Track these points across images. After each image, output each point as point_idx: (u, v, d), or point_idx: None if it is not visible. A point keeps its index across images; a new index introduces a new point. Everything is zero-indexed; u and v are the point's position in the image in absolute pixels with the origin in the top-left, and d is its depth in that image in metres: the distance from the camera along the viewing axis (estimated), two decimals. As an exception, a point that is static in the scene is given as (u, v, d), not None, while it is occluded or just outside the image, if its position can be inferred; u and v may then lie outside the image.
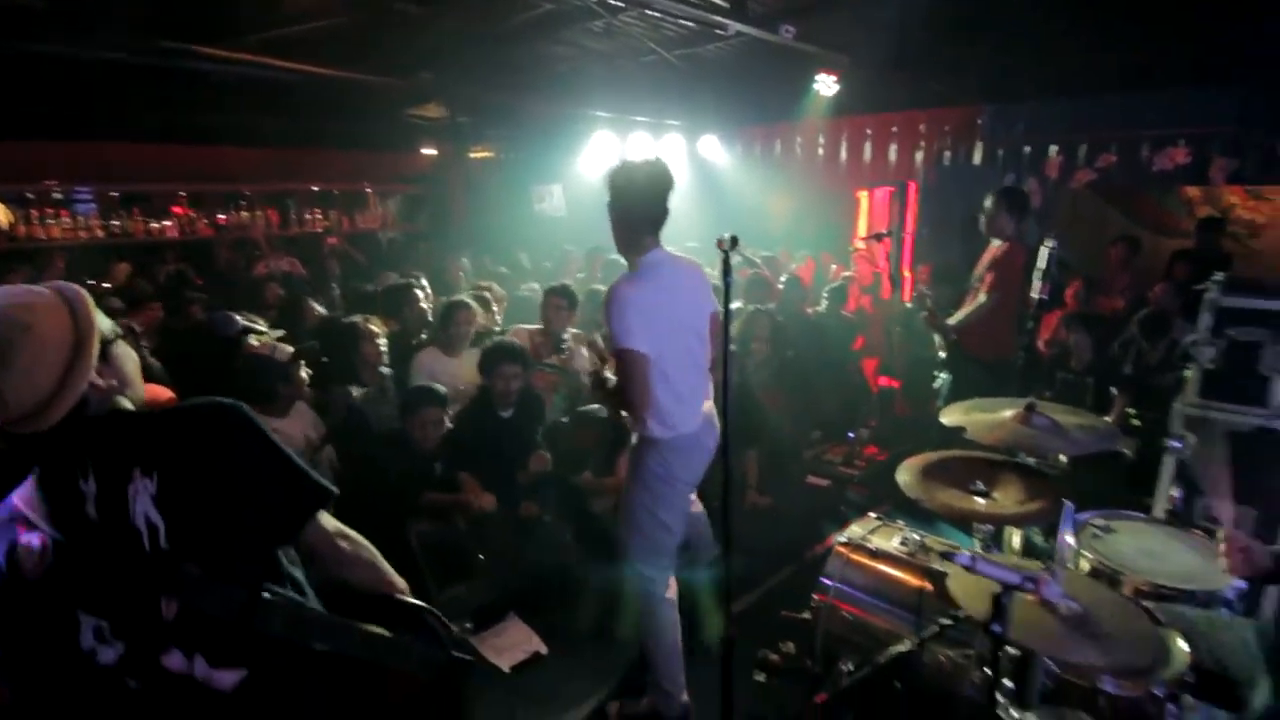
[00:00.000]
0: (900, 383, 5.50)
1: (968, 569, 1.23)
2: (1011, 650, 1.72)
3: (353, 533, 1.38)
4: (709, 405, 2.56)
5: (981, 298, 3.96)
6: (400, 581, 1.39)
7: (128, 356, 1.31)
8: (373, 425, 3.48)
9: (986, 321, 3.95)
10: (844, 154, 7.92)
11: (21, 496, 1.18)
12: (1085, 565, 2.11)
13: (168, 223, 7.49)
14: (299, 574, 1.29)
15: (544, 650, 2.96)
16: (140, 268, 6.67)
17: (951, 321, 4.11)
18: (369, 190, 9.41)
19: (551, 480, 3.51)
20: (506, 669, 2.86)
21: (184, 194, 7.81)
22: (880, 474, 4.45)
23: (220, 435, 1.21)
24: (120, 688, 1.18)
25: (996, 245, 4.03)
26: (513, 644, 2.96)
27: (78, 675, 1.18)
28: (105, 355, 1.25)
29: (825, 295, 5.75)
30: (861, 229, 7.31)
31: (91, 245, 6.92)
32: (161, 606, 1.16)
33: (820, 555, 3.57)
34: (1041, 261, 2.74)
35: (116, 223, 7.12)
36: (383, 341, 3.74)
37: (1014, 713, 1.66)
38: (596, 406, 3.74)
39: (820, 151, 8.06)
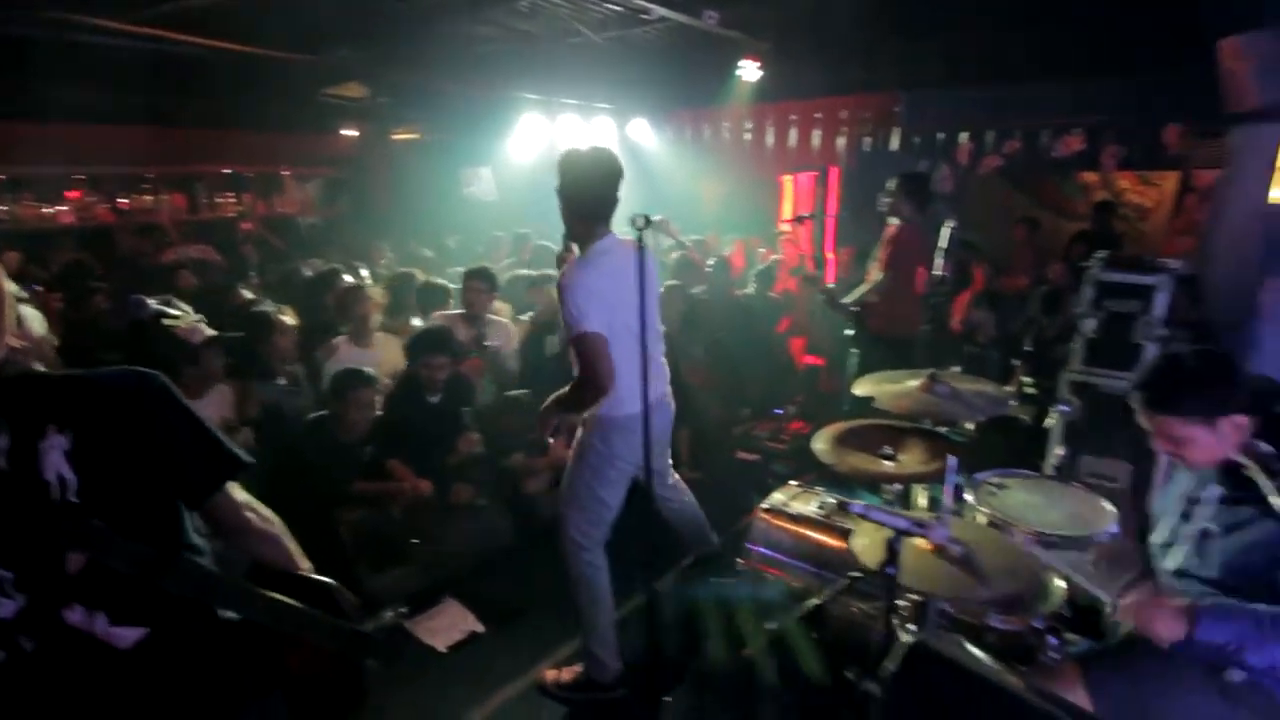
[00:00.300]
0: (824, 360, 5.72)
1: (861, 517, 1.34)
2: (913, 596, 1.88)
3: (262, 507, 1.40)
4: (664, 388, 2.62)
5: (876, 276, 4.18)
6: (305, 560, 1.41)
7: (35, 318, 1.30)
8: (288, 418, 3.40)
9: (888, 300, 4.16)
10: (770, 139, 8.11)
11: None
12: (982, 519, 2.30)
13: (62, 208, 7.00)
14: (204, 545, 1.31)
15: (480, 629, 2.99)
16: (32, 256, 6.22)
17: (848, 300, 4.33)
18: (285, 173, 9.03)
19: (483, 463, 3.52)
20: (443, 649, 2.87)
21: (81, 177, 7.31)
22: (805, 448, 4.60)
23: (136, 397, 1.24)
24: (13, 647, 1.17)
25: (893, 225, 4.23)
26: (449, 625, 2.98)
27: None
28: (17, 320, 1.26)
29: (753, 278, 5.91)
30: (786, 212, 7.52)
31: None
32: (67, 561, 1.16)
33: (747, 524, 3.76)
34: (943, 241, 2.92)
35: (5, 208, 6.61)
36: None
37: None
38: (523, 391, 3.77)
39: (747, 136, 8.23)
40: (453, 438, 3.51)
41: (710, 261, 5.85)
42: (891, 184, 4.23)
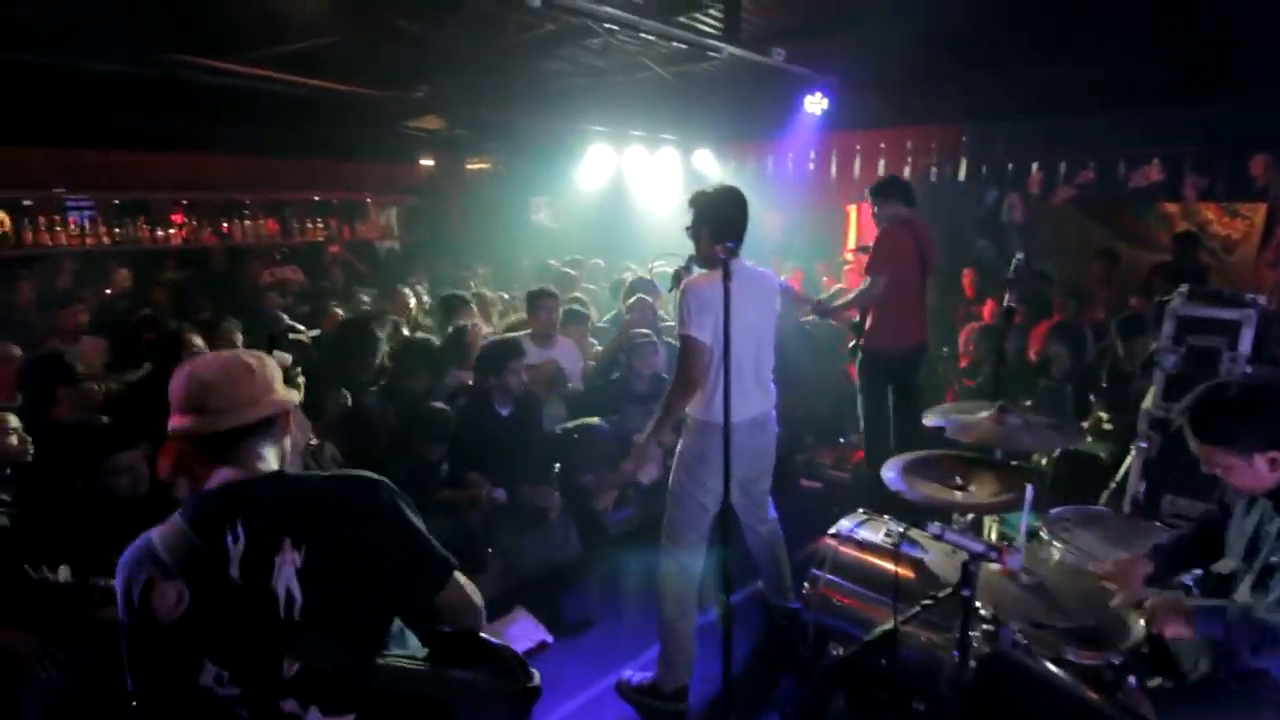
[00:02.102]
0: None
1: (937, 538, 1.38)
2: (985, 626, 1.88)
3: (472, 585, 1.46)
4: (762, 409, 2.77)
5: (865, 283, 4.08)
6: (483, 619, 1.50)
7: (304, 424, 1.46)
8: (376, 426, 3.61)
9: (880, 310, 4.07)
10: (834, 169, 8.15)
11: (161, 537, 1.24)
12: (1056, 555, 2.27)
13: (171, 230, 7.61)
14: (406, 642, 1.40)
15: (550, 640, 3.10)
16: (141, 275, 6.78)
17: (831, 302, 4.36)
18: (368, 200, 9.56)
19: (556, 479, 3.65)
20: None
21: (185, 202, 7.94)
22: (869, 476, 4.61)
23: (369, 514, 1.30)
24: (229, 714, 1.25)
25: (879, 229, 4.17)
26: (519, 634, 3.09)
27: (196, 705, 1.24)
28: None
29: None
30: (851, 241, 7.51)
31: (95, 251, 7.02)
32: (284, 666, 1.24)
33: (812, 551, 3.76)
34: (1010, 273, 2.93)
35: (120, 230, 7.23)
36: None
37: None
38: (598, 420, 3.89)
39: (810, 166, 8.29)
40: (525, 450, 3.65)
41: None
42: (872, 187, 4.25)
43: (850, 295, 4.15)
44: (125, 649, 1.25)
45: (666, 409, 2.69)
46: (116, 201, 7.53)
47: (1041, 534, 2.33)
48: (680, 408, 2.67)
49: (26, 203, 6.92)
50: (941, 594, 1.73)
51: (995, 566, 1.51)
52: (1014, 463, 3.95)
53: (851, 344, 4.39)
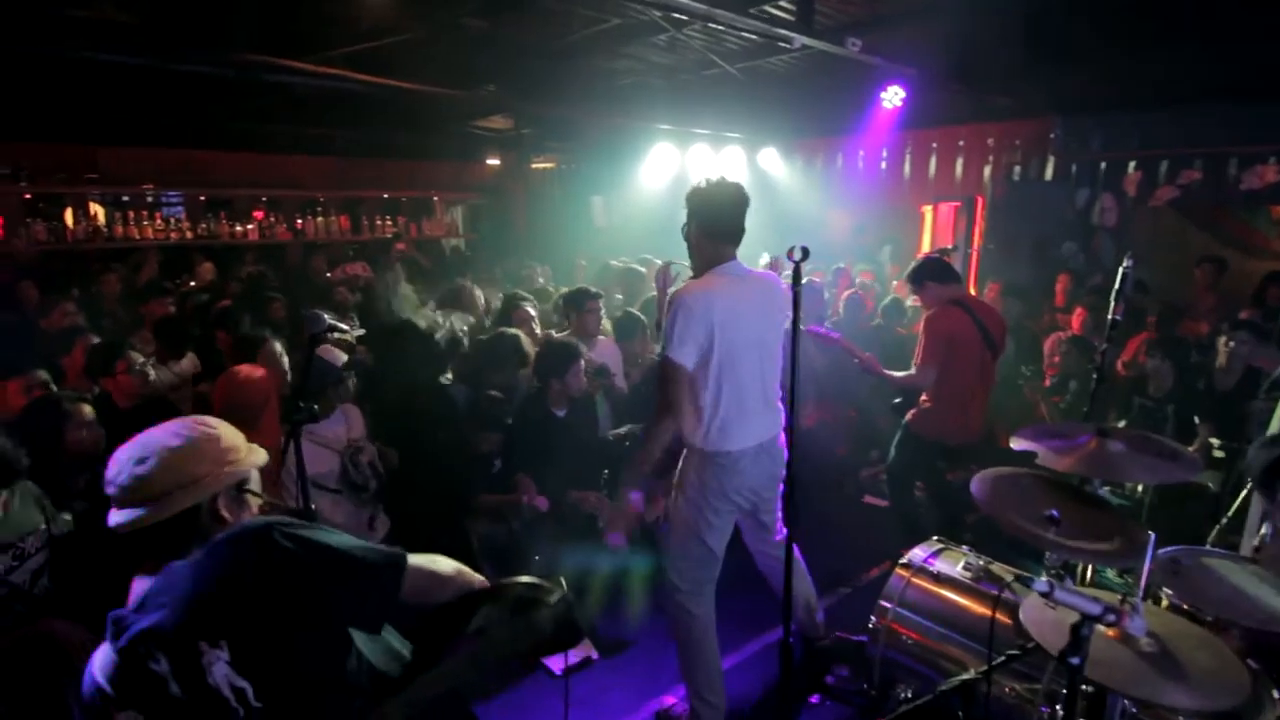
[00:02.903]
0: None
1: (1045, 596, 1.20)
2: (1085, 688, 1.66)
3: (430, 558, 1.37)
4: (770, 432, 2.47)
5: (913, 369, 3.59)
6: (478, 576, 1.40)
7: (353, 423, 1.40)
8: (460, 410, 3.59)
9: (936, 398, 3.59)
10: (907, 168, 7.78)
11: (101, 669, 1.17)
12: (1163, 602, 2.01)
13: (249, 226, 7.91)
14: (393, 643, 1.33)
15: (595, 656, 2.99)
16: (222, 268, 7.06)
17: (889, 373, 3.70)
18: (435, 199, 9.73)
19: (604, 485, 3.55)
20: (558, 671, 2.89)
21: (264, 199, 8.26)
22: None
23: (273, 571, 1.16)
24: None
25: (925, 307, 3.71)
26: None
27: None
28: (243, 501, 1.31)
29: (880, 311, 5.65)
30: (926, 244, 7.16)
31: (180, 245, 7.36)
32: None
33: (877, 577, 3.53)
34: (1118, 282, 2.64)
35: (204, 225, 7.55)
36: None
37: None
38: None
39: (883, 165, 7.94)
40: (580, 452, 3.57)
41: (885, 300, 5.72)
42: (910, 273, 3.76)
43: (896, 376, 3.66)
44: None
45: (646, 439, 2.42)
46: (202, 198, 7.89)
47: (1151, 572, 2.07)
48: (661, 438, 2.38)
49: (124, 198, 7.32)
50: (1032, 645, 1.52)
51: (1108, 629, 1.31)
52: (1105, 487, 3.64)
53: (897, 401, 4.00)
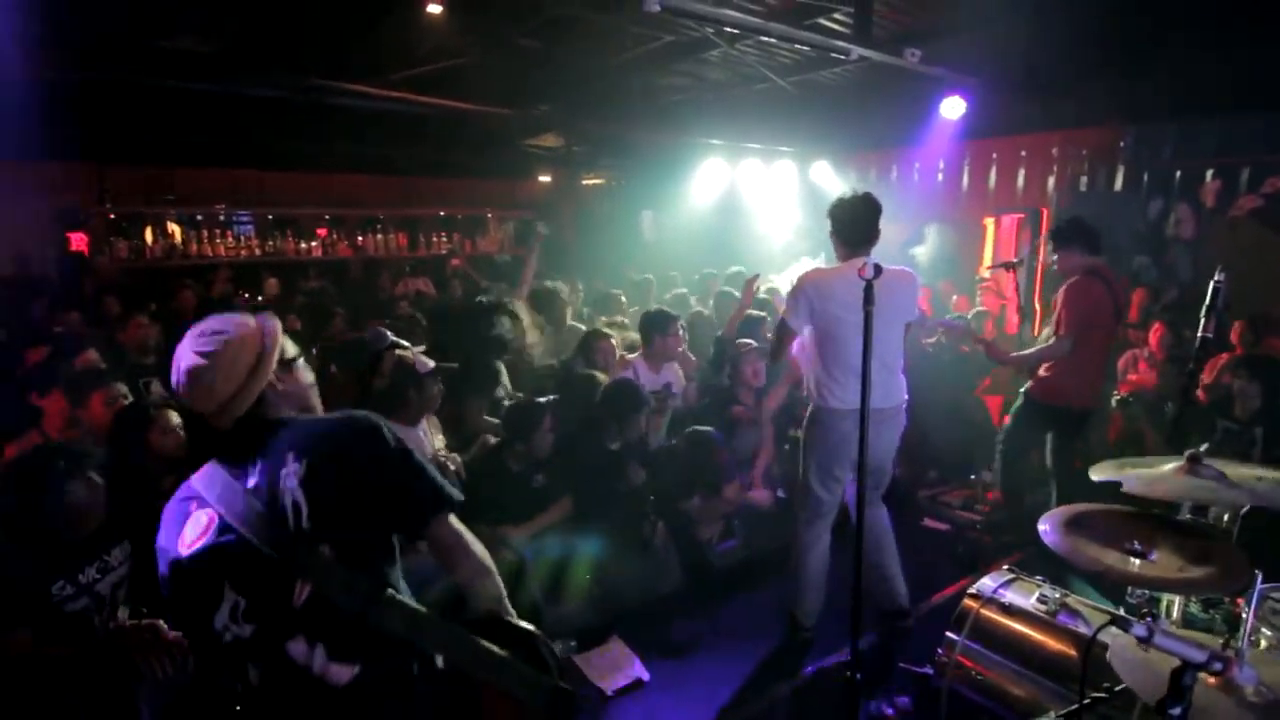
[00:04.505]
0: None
1: (1143, 641, 1.10)
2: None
3: (476, 542, 1.46)
4: (889, 401, 2.95)
5: (1050, 338, 3.74)
6: (508, 604, 1.44)
7: (306, 371, 1.52)
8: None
9: (1057, 369, 3.71)
10: (966, 179, 7.55)
11: (199, 480, 1.36)
12: (1263, 644, 1.86)
13: (314, 243, 8.22)
14: (408, 593, 1.38)
15: (646, 677, 2.94)
16: (287, 283, 7.34)
17: (1016, 354, 3.95)
18: (489, 215, 9.93)
19: (660, 507, 3.50)
20: (609, 692, 2.85)
21: (327, 217, 8.57)
22: (1005, 521, 4.15)
23: (361, 433, 1.37)
24: (243, 676, 1.30)
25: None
26: (614, 667, 2.95)
27: (210, 649, 1.32)
28: (288, 367, 1.45)
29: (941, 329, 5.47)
30: (988, 258, 6.93)
31: (249, 262, 7.68)
32: (295, 591, 1.27)
33: (939, 605, 3.39)
34: (1208, 298, 2.48)
35: (271, 243, 7.88)
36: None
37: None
38: (705, 429, 3.72)
39: (940, 177, 7.73)
40: (625, 481, 3.53)
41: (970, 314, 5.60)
42: (1052, 233, 3.84)
43: (1029, 352, 3.85)
44: (164, 591, 1.35)
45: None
46: (270, 217, 8.24)
47: (1243, 615, 1.92)
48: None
49: (199, 218, 7.70)
50: (1117, 687, 1.42)
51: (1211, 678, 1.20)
52: (1188, 516, 3.42)
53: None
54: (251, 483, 1.31)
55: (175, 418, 2.75)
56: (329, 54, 5.19)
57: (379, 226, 8.88)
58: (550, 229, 10.35)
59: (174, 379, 1.37)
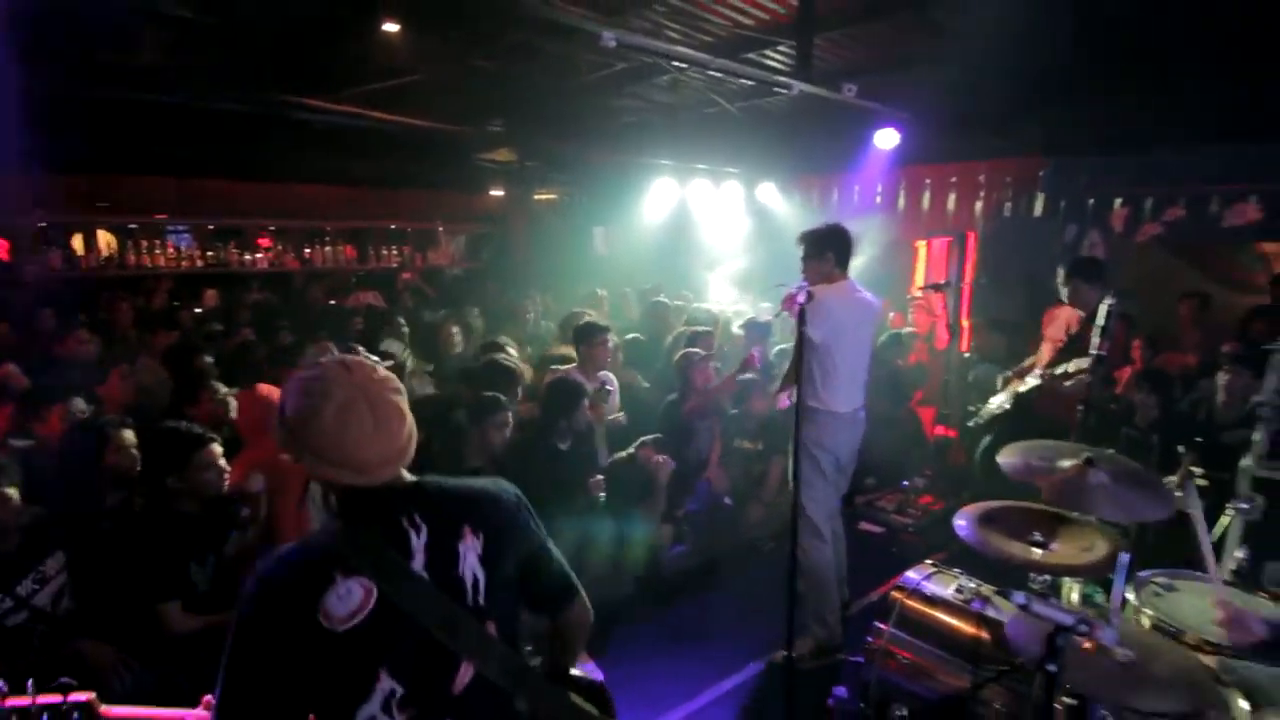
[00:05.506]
0: (956, 432, 5.46)
1: (1023, 608, 1.31)
2: (1067, 700, 1.76)
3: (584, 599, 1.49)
4: (858, 405, 3.37)
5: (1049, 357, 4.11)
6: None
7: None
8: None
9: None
10: (901, 203, 8.00)
11: (331, 535, 1.20)
12: (1145, 623, 2.12)
13: (259, 255, 8.06)
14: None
15: (600, 678, 3.04)
16: (227, 295, 7.20)
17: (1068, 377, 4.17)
18: (440, 229, 9.92)
19: (611, 516, 3.64)
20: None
21: (271, 228, 8.42)
22: (935, 523, 4.44)
23: (525, 511, 1.37)
24: None
25: (1064, 307, 4.12)
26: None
27: None
28: None
29: (877, 344, 5.79)
30: (919, 279, 7.34)
31: (190, 273, 7.50)
32: (458, 674, 1.20)
33: (874, 601, 3.62)
34: (1100, 318, 2.78)
35: (212, 253, 7.71)
36: None
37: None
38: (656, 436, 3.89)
39: (877, 200, 8.16)
40: (580, 483, 3.66)
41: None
42: (1063, 276, 4.18)
43: (1073, 368, 4.16)
44: (251, 683, 1.11)
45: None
46: (211, 227, 8.05)
47: (1128, 598, 2.18)
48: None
49: (132, 226, 7.47)
50: (1019, 660, 1.63)
51: (1085, 640, 1.42)
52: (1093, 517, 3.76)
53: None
54: (419, 553, 1.19)
55: (130, 436, 2.77)
56: (283, 67, 5.20)
57: (326, 238, 8.78)
58: (503, 243, 10.47)
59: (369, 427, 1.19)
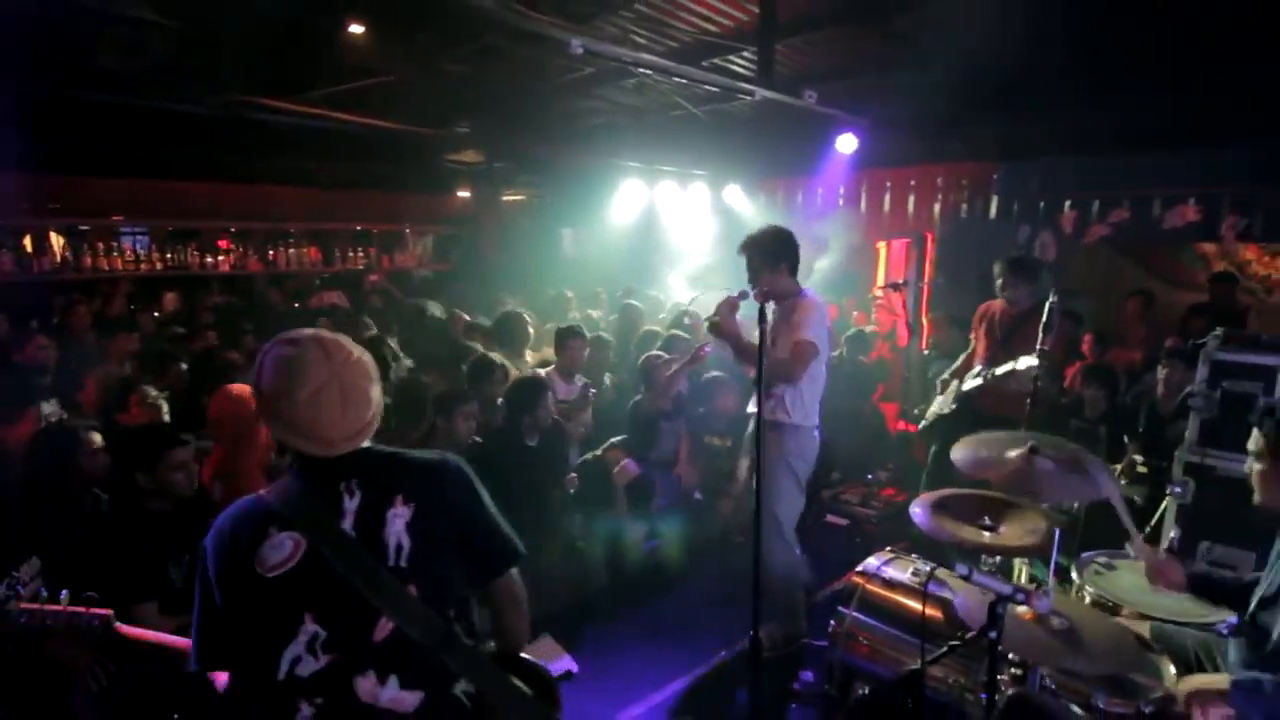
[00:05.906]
0: (917, 427, 5.65)
1: (965, 579, 1.41)
2: (1013, 671, 1.89)
3: (517, 582, 1.53)
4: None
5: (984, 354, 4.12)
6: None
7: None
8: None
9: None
10: (863, 205, 8.21)
11: (275, 498, 1.33)
12: (1087, 599, 2.26)
13: (221, 257, 7.91)
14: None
15: (575, 669, 3.13)
16: (187, 298, 7.06)
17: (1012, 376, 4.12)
18: (407, 230, 9.85)
19: (586, 510, 3.71)
20: (537, 686, 3.01)
21: (232, 230, 8.26)
22: (897, 515, 4.59)
23: (462, 485, 1.43)
24: (290, 709, 1.28)
25: (1000, 302, 4.17)
26: (545, 661, 3.12)
27: (266, 684, 1.27)
28: None
29: (843, 341, 5.96)
30: (880, 278, 7.55)
31: (148, 276, 7.34)
32: (376, 626, 1.29)
33: (839, 588, 3.74)
34: (1045, 315, 2.94)
35: (171, 256, 7.54)
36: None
37: None
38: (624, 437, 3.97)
39: (840, 202, 8.37)
40: (551, 479, 3.72)
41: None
42: (999, 267, 4.17)
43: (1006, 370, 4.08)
44: (208, 617, 1.30)
45: (748, 358, 3.04)
46: (170, 229, 7.87)
47: (1073, 577, 2.33)
48: (772, 378, 3.02)
49: (83, 228, 7.26)
50: (968, 635, 1.74)
51: (1024, 609, 1.54)
52: (1044, 504, 3.94)
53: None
54: (350, 515, 1.30)
55: (99, 439, 2.75)
56: (247, 70, 5.15)
57: (290, 240, 8.65)
58: (471, 244, 10.43)
59: (326, 395, 1.29)
